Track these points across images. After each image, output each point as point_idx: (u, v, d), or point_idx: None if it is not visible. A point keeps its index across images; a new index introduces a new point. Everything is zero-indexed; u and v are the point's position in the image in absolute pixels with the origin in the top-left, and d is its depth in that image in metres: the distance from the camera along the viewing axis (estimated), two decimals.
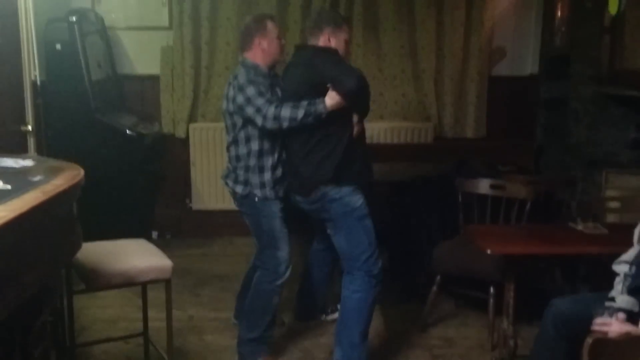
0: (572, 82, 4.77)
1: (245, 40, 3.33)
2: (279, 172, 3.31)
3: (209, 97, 5.28)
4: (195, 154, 5.30)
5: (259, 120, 3.14)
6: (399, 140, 5.35)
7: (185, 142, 5.30)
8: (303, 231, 3.81)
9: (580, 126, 4.61)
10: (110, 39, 5.09)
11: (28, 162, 2.59)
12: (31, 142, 3.97)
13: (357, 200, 3.21)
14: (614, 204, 3.96)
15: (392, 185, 4.44)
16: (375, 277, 3.21)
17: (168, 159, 5.37)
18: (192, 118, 5.29)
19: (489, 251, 3.04)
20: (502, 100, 5.46)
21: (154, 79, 5.24)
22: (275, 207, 3.32)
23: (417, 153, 5.10)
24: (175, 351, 3.20)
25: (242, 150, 3.29)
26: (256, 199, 3.30)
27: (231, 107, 3.27)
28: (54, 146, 4.13)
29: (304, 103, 3.09)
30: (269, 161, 3.28)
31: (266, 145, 3.26)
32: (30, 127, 3.95)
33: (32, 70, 4.00)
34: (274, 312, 3.42)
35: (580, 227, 3.27)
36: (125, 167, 4.73)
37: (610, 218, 3.83)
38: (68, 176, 2.39)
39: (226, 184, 3.44)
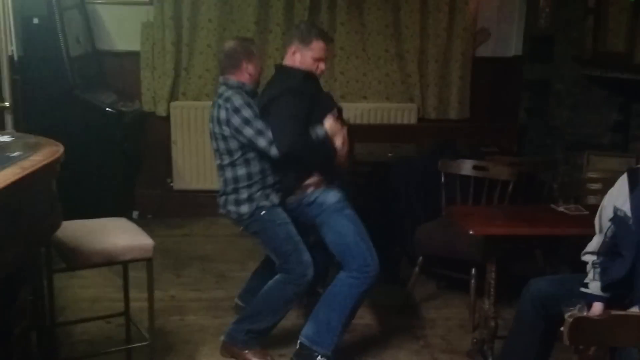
0: (556, 63, 4.78)
1: (231, 63, 3.28)
2: (276, 178, 3.28)
3: (190, 75, 5.21)
4: (177, 132, 5.24)
5: (261, 142, 3.10)
6: (382, 121, 5.33)
7: (166, 120, 5.24)
8: None
9: (562, 108, 4.63)
10: (89, 13, 5.00)
11: (6, 138, 2.54)
12: (8, 119, 3.91)
13: (332, 196, 3.22)
14: (595, 186, 3.98)
15: (375, 166, 4.43)
16: (371, 265, 3.15)
17: (149, 138, 5.30)
18: (173, 96, 5.22)
19: (471, 232, 3.04)
20: (486, 82, 5.45)
21: (134, 56, 5.16)
22: (283, 213, 3.26)
23: (400, 134, 5.08)
24: (157, 331, 3.18)
25: (241, 171, 3.22)
26: (263, 213, 3.22)
27: (226, 131, 3.18)
28: (31, 123, 4.06)
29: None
30: (267, 172, 3.24)
31: (266, 164, 3.22)
32: (7, 103, 3.88)
33: (8, 45, 3.92)
34: (284, 315, 3.31)
35: (561, 208, 3.28)
36: (104, 145, 4.67)
37: (592, 200, 3.84)
38: (47, 152, 2.35)
39: (228, 213, 3.29)
